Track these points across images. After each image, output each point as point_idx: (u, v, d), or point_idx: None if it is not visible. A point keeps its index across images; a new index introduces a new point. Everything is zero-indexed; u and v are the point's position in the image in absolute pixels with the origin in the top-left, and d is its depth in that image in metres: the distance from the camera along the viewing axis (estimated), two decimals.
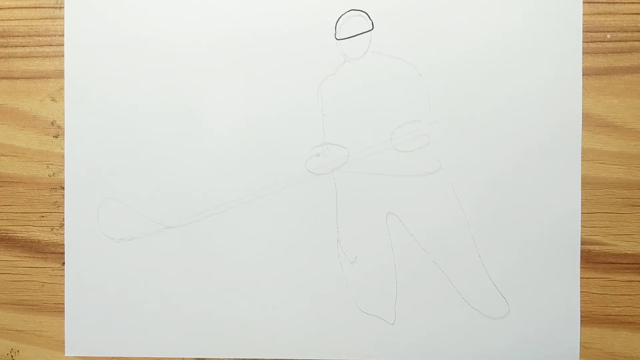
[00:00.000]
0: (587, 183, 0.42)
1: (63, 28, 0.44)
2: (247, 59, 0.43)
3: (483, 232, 0.42)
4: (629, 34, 0.42)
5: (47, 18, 0.44)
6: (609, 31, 0.42)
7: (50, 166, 0.44)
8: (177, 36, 0.43)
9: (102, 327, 0.44)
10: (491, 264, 0.42)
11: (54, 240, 0.44)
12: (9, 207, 0.45)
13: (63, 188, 0.44)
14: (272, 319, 0.43)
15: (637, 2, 0.42)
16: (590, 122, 0.42)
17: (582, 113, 0.42)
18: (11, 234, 0.45)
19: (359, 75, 0.43)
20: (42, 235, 0.44)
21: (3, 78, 0.44)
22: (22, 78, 0.44)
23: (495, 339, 0.42)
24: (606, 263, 0.42)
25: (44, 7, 0.44)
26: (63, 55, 0.44)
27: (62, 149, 0.44)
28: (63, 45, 0.44)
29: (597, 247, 0.42)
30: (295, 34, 0.43)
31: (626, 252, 0.42)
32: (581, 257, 0.42)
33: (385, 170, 0.43)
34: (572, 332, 0.42)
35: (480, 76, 0.42)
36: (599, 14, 0.42)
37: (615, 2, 0.42)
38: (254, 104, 0.43)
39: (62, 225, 0.44)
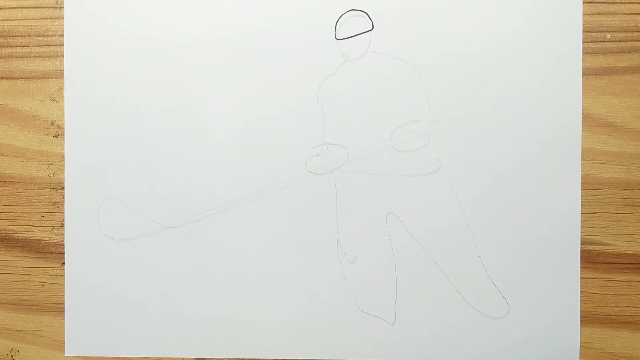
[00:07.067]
0: (587, 183, 0.42)
1: (63, 28, 0.44)
2: (247, 59, 0.43)
3: (483, 232, 0.42)
4: (629, 34, 0.42)
5: (47, 18, 0.44)
6: (609, 31, 0.42)
7: (50, 166, 0.44)
8: (177, 36, 0.43)
9: (102, 327, 0.44)
10: (491, 264, 0.42)
11: (54, 240, 0.44)
12: (9, 207, 0.45)
13: (63, 188, 0.44)
14: (272, 319, 0.43)
15: (637, 2, 0.42)
16: (590, 122, 0.42)
17: (582, 113, 0.42)
18: (11, 234, 0.45)
19: (359, 75, 0.43)
20: (42, 235, 0.44)
21: (3, 78, 0.44)
22: (22, 78, 0.44)
23: (495, 339, 0.42)
24: (606, 263, 0.42)
25: (44, 7, 0.44)
26: (63, 55, 0.44)
27: (62, 149, 0.44)
28: (63, 45, 0.44)
29: (597, 247, 0.42)
30: (295, 34, 0.43)
31: (626, 252, 0.42)
32: (581, 257, 0.42)
33: (385, 170, 0.43)
34: (572, 332, 0.42)
35: (480, 76, 0.42)
36: (599, 14, 0.42)
37: (615, 2, 0.42)
38: (254, 104, 0.43)
39: (62, 225, 0.44)
